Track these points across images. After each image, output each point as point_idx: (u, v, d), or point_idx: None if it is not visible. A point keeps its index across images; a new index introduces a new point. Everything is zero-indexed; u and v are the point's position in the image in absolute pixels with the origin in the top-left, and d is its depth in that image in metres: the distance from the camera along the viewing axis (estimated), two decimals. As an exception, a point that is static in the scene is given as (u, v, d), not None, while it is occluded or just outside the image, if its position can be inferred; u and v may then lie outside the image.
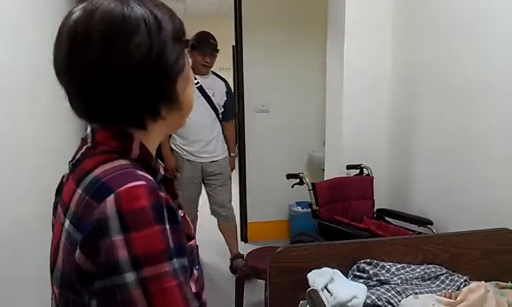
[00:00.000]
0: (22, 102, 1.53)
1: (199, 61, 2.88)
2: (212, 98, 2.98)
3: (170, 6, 0.72)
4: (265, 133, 3.72)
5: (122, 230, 0.56)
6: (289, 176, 2.59)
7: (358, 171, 2.52)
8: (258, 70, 3.61)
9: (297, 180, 2.52)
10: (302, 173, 2.52)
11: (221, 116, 3.07)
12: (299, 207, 3.69)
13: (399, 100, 2.46)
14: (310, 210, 2.40)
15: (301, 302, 1.48)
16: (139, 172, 0.63)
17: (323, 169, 3.03)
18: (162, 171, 0.72)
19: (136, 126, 0.69)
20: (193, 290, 0.68)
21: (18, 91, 1.50)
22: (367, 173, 2.49)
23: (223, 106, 3.07)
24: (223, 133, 3.14)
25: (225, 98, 3.08)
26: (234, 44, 3.70)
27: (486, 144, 1.77)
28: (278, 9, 3.59)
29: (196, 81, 2.83)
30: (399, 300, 1.30)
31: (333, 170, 2.67)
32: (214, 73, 3.10)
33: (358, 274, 1.47)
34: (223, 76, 3.19)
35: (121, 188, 0.58)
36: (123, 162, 0.64)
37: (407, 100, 2.38)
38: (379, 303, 1.32)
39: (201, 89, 2.92)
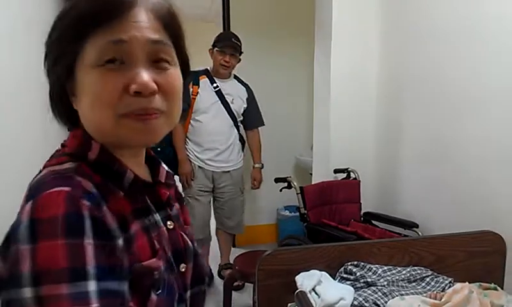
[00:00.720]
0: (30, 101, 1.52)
1: (218, 60, 2.67)
2: (230, 105, 2.75)
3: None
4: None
5: (30, 239, 0.50)
6: (277, 180, 2.60)
7: (345, 175, 2.54)
8: (245, 75, 3.62)
9: (286, 184, 2.54)
10: (290, 177, 2.53)
11: (239, 124, 2.86)
12: (287, 211, 3.71)
13: (385, 105, 2.50)
14: (298, 213, 2.42)
15: (289, 304, 1.49)
16: (77, 178, 0.57)
17: (311, 173, 3.05)
18: (130, 175, 0.64)
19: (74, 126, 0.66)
20: None
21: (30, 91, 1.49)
22: (354, 176, 2.51)
23: (243, 114, 2.86)
24: (247, 142, 2.97)
25: (245, 106, 2.86)
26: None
27: (469, 148, 1.81)
28: (265, 15, 3.61)
29: (215, 85, 2.70)
30: (386, 302, 1.32)
31: (321, 174, 2.70)
32: (236, 77, 2.91)
33: (345, 276, 1.49)
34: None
35: (42, 194, 0.53)
36: (69, 165, 0.60)
37: (393, 105, 2.41)
38: (366, 305, 1.34)
39: (219, 93, 2.71)
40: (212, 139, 2.71)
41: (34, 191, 0.55)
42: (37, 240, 0.50)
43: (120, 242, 0.57)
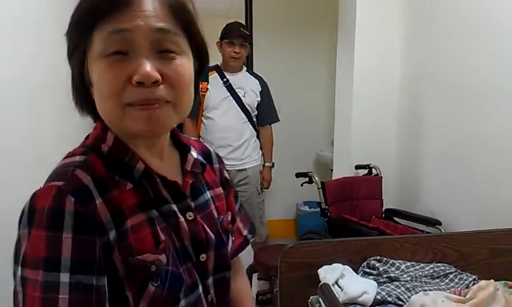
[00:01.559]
0: (43, 102, 1.56)
1: (228, 53, 2.56)
2: (242, 98, 2.62)
3: None
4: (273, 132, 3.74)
5: (27, 225, 0.56)
6: (298, 175, 2.61)
7: (366, 171, 2.54)
8: (268, 70, 3.63)
9: (307, 179, 2.55)
10: (311, 172, 2.54)
11: (255, 119, 2.74)
12: (306, 206, 3.72)
13: (407, 101, 2.48)
14: (317, 209, 2.43)
15: (311, 297, 1.50)
16: (75, 172, 0.60)
17: (331, 169, 3.04)
18: (140, 167, 0.65)
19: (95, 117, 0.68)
20: (141, 306, 0.62)
21: (41, 91, 1.54)
22: (375, 172, 2.51)
23: (257, 108, 2.72)
24: (259, 139, 2.81)
25: (259, 99, 2.71)
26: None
27: (495, 144, 1.79)
28: (288, 10, 3.62)
29: (225, 79, 2.60)
30: (409, 297, 1.32)
31: (342, 170, 2.69)
32: (248, 71, 2.79)
33: (368, 270, 1.49)
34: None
35: (42, 186, 0.59)
36: (78, 158, 0.63)
37: (415, 101, 2.39)
38: (389, 299, 1.35)
39: (230, 88, 2.60)
40: (224, 136, 2.60)
41: (47, 178, 0.61)
42: (29, 228, 0.56)
43: (112, 234, 0.59)
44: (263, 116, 2.78)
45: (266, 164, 2.89)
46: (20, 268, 0.55)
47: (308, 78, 3.74)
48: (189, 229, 0.69)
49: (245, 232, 0.89)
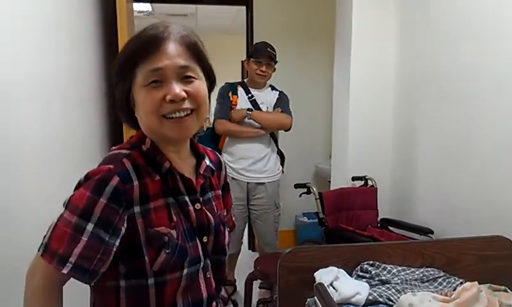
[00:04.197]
0: (53, 103, 1.64)
1: (254, 70, 2.71)
2: None
3: (181, 22, 0.93)
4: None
5: (79, 185, 0.84)
6: (297, 186, 2.72)
7: (362, 182, 2.64)
8: (268, 85, 3.76)
9: (305, 190, 2.65)
10: (309, 183, 2.64)
11: (277, 136, 2.87)
12: (305, 218, 3.81)
13: (402, 115, 2.59)
14: (315, 220, 2.52)
15: (308, 299, 1.60)
16: (122, 159, 0.86)
17: (329, 181, 3.15)
18: (166, 165, 0.90)
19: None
20: (155, 268, 0.86)
21: (50, 92, 1.61)
22: (371, 184, 2.61)
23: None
24: (280, 155, 2.95)
25: (274, 103, 2.82)
26: (244, 59, 3.85)
27: (487, 154, 1.87)
28: (287, 26, 3.75)
29: (250, 95, 2.75)
30: (399, 298, 1.41)
31: (339, 181, 2.80)
32: (272, 87, 2.91)
33: (361, 274, 1.59)
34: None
35: (99, 167, 0.85)
36: (125, 151, 0.89)
37: (410, 115, 2.50)
38: (381, 300, 1.44)
39: (254, 103, 2.74)
40: (246, 148, 2.70)
41: (100, 162, 0.88)
42: (80, 186, 0.83)
43: (137, 208, 0.85)
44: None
45: None
46: (64, 209, 0.82)
47: (306, 93, 3.85)
48: (196, 216, 0.93)
49: (232, 219, 1.19)
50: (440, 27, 2.20)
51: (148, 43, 0.85)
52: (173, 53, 0.85)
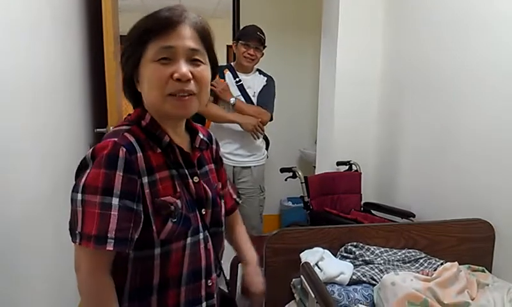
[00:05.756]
0: (41, 98, 1.63)
1: (241, 53, 2.63)
2: (252, 98, 2.70)
3: (166, 4, 0.94)
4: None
5: (88, 165, 0.84)
6: (283, 170, 2.74)
7: (347, 167, 2.67)
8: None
9: (291, 174, 2.67)
10: (295, 167, 2.67)
11: None
12: (290, 202, 3.85)
13: (386, 101, 2.63)
14: (300, 204, 2.55)
15: (293, 280, 1.63)
16: (125, 134, 0.89)
17: (314, 166, 3.18)
18: (166, 139, 0.94)
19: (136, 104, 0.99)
20: (161, 237, 0.89)
21: (39, 88, 1.60)
22: (355, 168, 2.65)
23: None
24: (265, 139, 2.90)
25: (259, 90, 2.75)
26: (230, 43, 3.82)
27: (467, 144, 1.92)
28: (274, 11, 3.73)
29: (237, 79, 2.69)
30: (382, 277, 1.46)
31: (324, 166, 2.83)
32: (259, 71, 2.83)
33: (345, 254, 1.62)
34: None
35: (103, 141, 0.86)
36: (125, 127, 0.92)
37: (394, 101, 2.54)
38: (364, 279, 1.48)
39: (241, 87, 2.69)
40: (231, 131, 2.66)
41: (102, 139, 0.90)
42: (91, 166, 0.84)
43: (145, 179, 0.88)
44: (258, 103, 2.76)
45: None
46: (80, 194, 0.83)
47: (293, 80, 3.86)
48: (194, 189, 0.98)
49: (234, 196, 1.26)
50: (425, 19, 2.23)
51: (165, 22, 0.88)
52: (186, 35, 0.89)
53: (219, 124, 2.69)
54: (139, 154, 0.88)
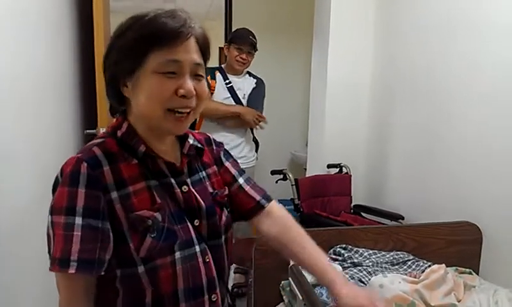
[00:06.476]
0: (27, 102, 1.61)
1: (234, 56, 2.64)
2: (242, 100, 2.70)
3: (157, 6, 0.88)
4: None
5: (56, 186, 0.80)
6: (273, 172, 2.74)
7: (337, 170, 2.69)
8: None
9: (281, 176, 2.68)
10: (286, 169, 2.67)
11: None
12: (280, 205, 3.84)
13: (377, 105, 2.65)
14: (291, 207, 2.55)
15: (282, 282, 1.63)
16: (93, 148, 0.83)
17: (305, 168, 3.19)
18: (142, 149, 0.87)
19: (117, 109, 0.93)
20: (141, 254, 0.82)
21: (27, 90, 1.58)
22: (345, 171, 2.66)
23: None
24: (255, 142, 2.90)
25: (249, 92, 2.76)
26: (222, 45, 3.83)
27: (455, 148, 1.95)
28: (267, 13, 3.76)
29: (227, 81, 2.68)
30: (370, 279, 1.47)
31: (315, 168, 2.84)
32: (249, 73, 2.84)
33: (334, 256, 1.63)
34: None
35: (69, 158, 0.82)
36: (98, 141, 0.86)
37: (384, 105, 2.57)
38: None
39: (231, 89, 2.69)
40: (221, 135, 2.62)
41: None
42: (57, 187, 0.80)
43: (114, 194, 0.82)
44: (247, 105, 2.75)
45: None
46: (49, 216, 0.79)
47: (284, 82, 3.88)
48: (183, 198, 0.90)
49: (258, 198, 1.08)
50: (414, 24, 2.26)
51: (172, 34, 0.82)
52: (192, 49, 0.85)
53: (210, 125, 2.69)
54: (106, 168, 0.82)
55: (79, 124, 2.40)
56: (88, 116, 2.49)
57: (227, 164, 1.08)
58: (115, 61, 0.85)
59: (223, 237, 0.97)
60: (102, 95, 2.28)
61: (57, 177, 0.82)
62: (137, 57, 0.82)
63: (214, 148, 1.07)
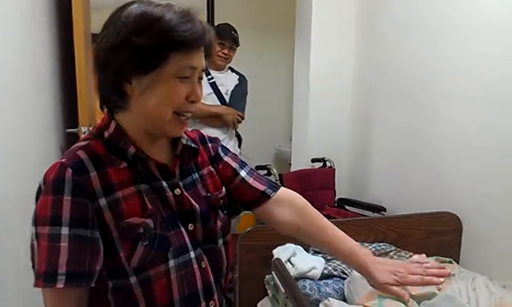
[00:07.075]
0: (5, 97, 1.58)
1: (216, 52, 2.61)
2: (224, 96, 2.70)
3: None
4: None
5: (39, 194, 0.75)
6: (258, 168, 2.74)
7: (321, 164, 2.71)
8: (229, 68, 3.76)
9: (266, 171, 2.69)
10: (270, 165, 2.68)
11: None
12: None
13: (359, 101, 2.68)
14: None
15: (267, 276, 1.65)
16: (77, 152, 0.78)
17: (289, 163, 3.21)
18: (131, 151, 0.81)
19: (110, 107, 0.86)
20: (133, 264, 0.77)
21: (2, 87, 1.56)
22: (329, 165, 2.68)
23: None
24: (238, 137, 2.91)
25: (232, 89, 2.76)
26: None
27: (434, 139, 2.00)
28: (249, 10, 3.74)
29: (209, 77, 2.66)
30: (351, 271, 1.49)
31: (299, 163, 2.86)
32: (232, 69, 2.84)
33: (317, 249, 1.65)
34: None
35: (52, 164, 0.76)
36: (83, 143, 0.81)
37: (366, 101, 2.60)
38: (335, 273, 1.51)
39: (214, 85, 2.68)
40: (205, 130, 2.59)
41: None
42: (40, 195, 0.75)
43: (103, 201, 0.76)
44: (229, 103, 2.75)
45: None
46: (33, 226, 0.74)
47: (267, 78, 3.88)
48: (176, 202, 0.85)
49: (263, 188, 1.00)
50: (394, 24, 2.29)
51: (194, 41, 0.79)
52: (202, 54, 0.84)
53: (191, 123, 2.67)
54: (93, 173, 0.77)
55: (60, 123, 2.37)
56: (69, 115, 2.46)
57: (226, 158, 1.02)
58: (128, 58, 0.78)
59: (221, 240, 0.94)
60: (83, 93, 2.25)
61: (39, 185, 0.76)
62: (158, 59, 0.78)
63: (210, 145, 1.02)
